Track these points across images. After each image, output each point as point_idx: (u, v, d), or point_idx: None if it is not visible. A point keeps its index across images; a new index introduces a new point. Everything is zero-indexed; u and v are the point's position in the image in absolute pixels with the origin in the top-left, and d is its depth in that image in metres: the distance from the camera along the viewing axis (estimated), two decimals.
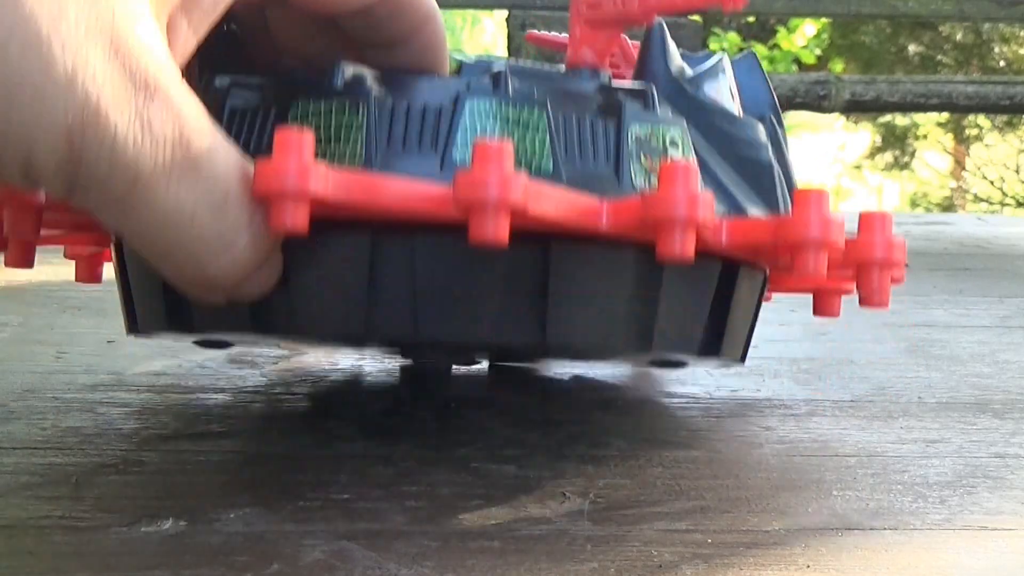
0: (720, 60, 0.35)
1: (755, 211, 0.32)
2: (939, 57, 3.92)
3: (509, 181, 0.25)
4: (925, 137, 4.33)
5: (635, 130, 0.30)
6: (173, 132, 0.24)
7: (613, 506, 0.30)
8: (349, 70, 0.29)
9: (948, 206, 4.35)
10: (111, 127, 0.23)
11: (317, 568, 0.26)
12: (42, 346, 0.45)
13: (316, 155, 0.26)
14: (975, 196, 4.37)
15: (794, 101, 1.80)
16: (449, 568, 0.27)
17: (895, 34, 3.86)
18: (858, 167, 4.78)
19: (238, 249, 0.26)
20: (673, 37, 0.35)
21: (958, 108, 1.89)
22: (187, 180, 0.24)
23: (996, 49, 3.93)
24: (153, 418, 0.36)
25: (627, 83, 0.32)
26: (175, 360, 0.43)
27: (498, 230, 0.25)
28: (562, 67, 0.34)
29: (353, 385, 0.42)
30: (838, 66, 4.21)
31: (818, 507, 0.31)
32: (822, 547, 0.28)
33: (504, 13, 1.62)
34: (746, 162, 0.33)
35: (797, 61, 4.38)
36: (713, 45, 4.28)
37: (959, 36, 3.90)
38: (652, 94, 0.31)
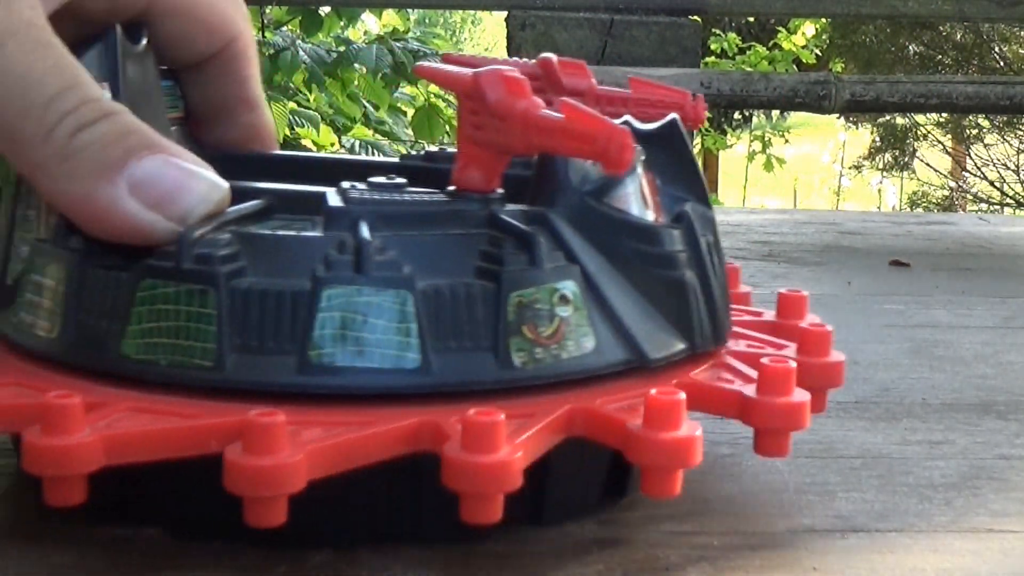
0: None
1: (662, 349, 0.29)
2: (939, 57, 3.92)
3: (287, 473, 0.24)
4: (925, 137, 4.33)
5: (516, 298, 0.27)
6: (29, 12, 0.27)
7: (618, 508, 0.30)
8: (199, 236, 0.27)
9: (948, 206, 4.35)
10: None
11: (323, 570, 0.26)
12: None
13: (161, 355, 0.26)
14: (975, 196, 4.38)
15: (794, 101, 1.80)
16: (454, 571, 0.26)
17: (895, 34, 3.86)
18: (858, 167, 4.78)
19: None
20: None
21: (958, 108, 1.89)
22: (40, 50, 0.27)
23: (996, 49, 3.93)
24: None
25: (518, 216, 0.29)
26: None
27: (272, 518, 0.24)
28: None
29: None
30: (838, 66, 4.21)
31: (823, 509, 0.31)
32: (828, 549, 0.28)
33: (504, 13, 1.62)
34: (660, 283, 0.30)
35: (797, 61, 4.38)
36: (713, 45, 4.28)
37: (959, 36, 3.90)
38: (538, 242, 0.28)
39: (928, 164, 4.51)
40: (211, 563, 0.26)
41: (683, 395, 0.26)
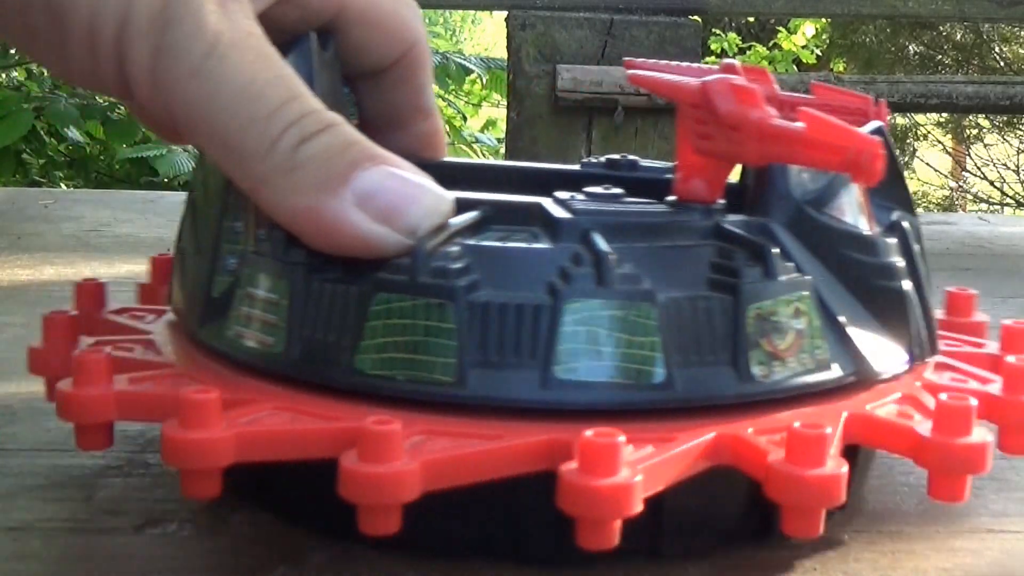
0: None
1: (887, 362, 0.29)
2: (939, 57, 3.92)
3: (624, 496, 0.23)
4: (925, 137, 4.33)
5: (755, 310, 0.27)
6: (246, 22, 0.27)
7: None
8: (433, 249, 0.26)
9: (948, 206, 4.35)
10: None
11: (323, 570, 0.26)
12: None
13: (398, 370, 0.25)
14: (975, 196, 4.37)
15: None
16: (456, 571, 0.26)
17: (895, 34, 3.86)
18: None
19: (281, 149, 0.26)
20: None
21: (958, 108, 1.89)
22: (261, 61, 0.27)
23: (996, 49, 3.93)
24: None
25: (741, 226, 0.28)
26: None
27: (605, 540, 0.23)
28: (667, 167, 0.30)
29: None
30: (838, 66, 4.21)
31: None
32: (829, 550, 0.28)
33: (504, 13, 1.62)
34: (878, 293, 0.29)
35: (797, 61, 4.38)
36: (713, 45, 4.28)
37: (959, 36, 3.90)
38: (772, 254, 0.27)
39: (928, 164, 4.51)
40: (210, 564, 0.26)
41: (829, 429, 0.24)
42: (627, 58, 0.34)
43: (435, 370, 0.25)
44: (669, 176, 0.31)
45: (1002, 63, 3.90)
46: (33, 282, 0.56)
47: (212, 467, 0.24)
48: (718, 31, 4.39)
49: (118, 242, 0.67)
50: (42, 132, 2.43)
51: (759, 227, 0.29)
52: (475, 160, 0.33)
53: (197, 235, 0.31)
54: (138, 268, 0.60)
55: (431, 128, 0.36)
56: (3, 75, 2.47)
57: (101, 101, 2.41)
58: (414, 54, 0.35)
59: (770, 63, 4.26)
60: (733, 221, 0.28)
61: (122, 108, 2.40)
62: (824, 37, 4.33)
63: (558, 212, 0.28)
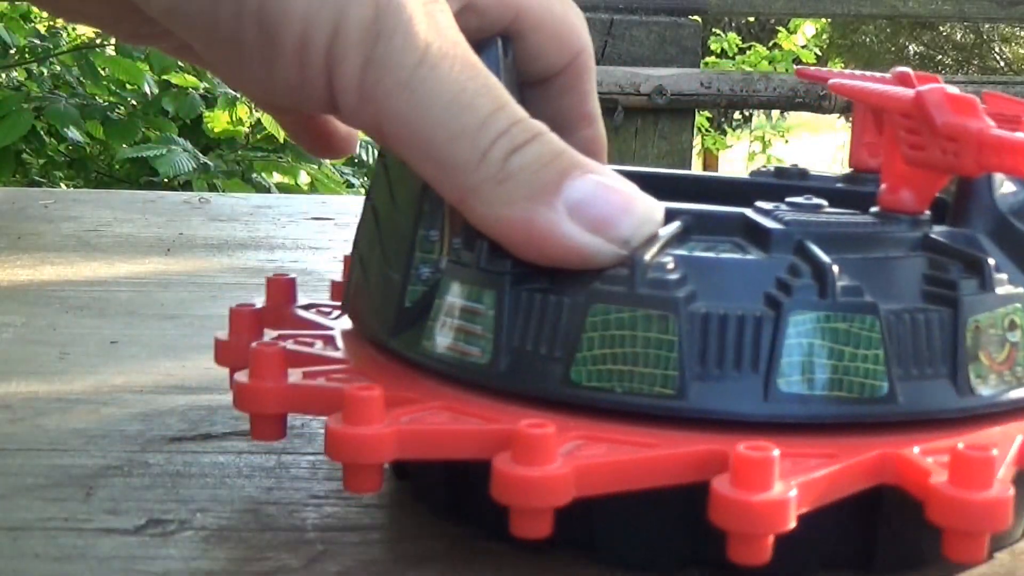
0: None
1: None
2: (939, 57, 3.92)
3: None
4: None
5: (973, 323, 0.26)
6: (452, 32, 0.27)
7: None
8: (651, 260, 0.26)
9: None
10: (408, 6, 0.27)
11: (322, 566, 0.26)
12: (45, 347, 0.44)
13: (616, 382, 0.25)
14: None
15: (794, 101, 1.80)
16: (455, 570, 0.26)
17: (895, 34, 3.87)
18: None
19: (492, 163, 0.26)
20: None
21: None
22: (468, 71, 0.27)
23: (996, 49, 3.93)
24: (158, 419, 0.36)
25: (947, 236, 0.28)
26: (179, 361, 0.43)
27: (757, 555, 0.23)
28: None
29: None
30: (838, 66, 4.21)
31: None
32: None
33: None
34: None
35: (797, 61, 4.39)
36: (713, 45, 4.28)
37: (959, 36, 3.90)
38: (989, 266, 0.27)
39: None
40: (210, 563, 0.26)
41: (996, 451, 0.23)
42: (799, 67, 0.33)
43: (656, 382, 0.25)
44: (840, 186, 0.31)
45: (1002, 63, 3.91)
46: (33, 282, 0.56)
47: (373, 463, 0.25)
48: (718, 31, 4.39)
49: (118, 242, 0.67)
50: (42, 132, 2.43)
51: (965, 238, 0.28)
52: (633, 168, 0.33)
53: (383, 244, 0.31)
54: (138, 268, 0.60)
55: (594, 134, 0.36)
56: (3, 75, 2.47)
57: (101, 101, 2.41)
58: (581, 60, 0.35)
59: (770, 63, 4.26)
60: (939, 232, 0.28)
61: (122, 108, 2.40)
62: (824, 37, 4.33)
63: (768, 223, 0.27)
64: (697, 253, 0.27)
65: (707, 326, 0.25)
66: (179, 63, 2.34)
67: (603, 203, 0.26)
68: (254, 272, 0.60)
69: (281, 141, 2.35)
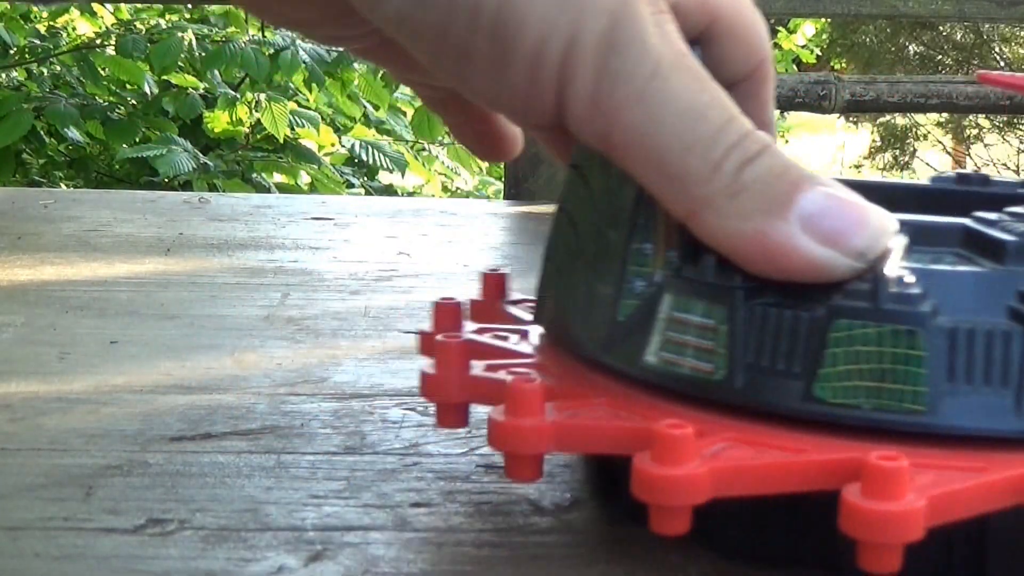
0: None
1: None
2: (939, 57, 3.92)
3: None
4: (925, 137, 4.33)
5: None
6: (680, 43, 0.27)
7: (621, 508, 0.30)
8: (894, 275, 0.25)
9: None
10: (642, 17, 0.27)
11: (322, 566, 0.26)
12: (45, 347, 0.44)
13: (863, 398, 0.25)
14: None
15: (794, 101, 1.80)
16: (453, 570, 0.27)
17: (895, 34, 3.86)
18: (858, 167, 4.78)
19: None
20: None
21: (958, 108, 1.89)
22: (698, 82, 0.27)
23: (996, 49, 3.93)
24: (158, 419, 0.36)
25: None
26: (179, 361, 0.43)
27: (887, 565, 0.23)
28: None
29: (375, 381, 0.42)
30: (838, 66, 4.21)
31: None
32: None
33: None
34: None
35: (797, 61, 4.38)
36: None
37: (959, 36, 3.90)
38: None
39: (928, 164, 4.51)
40: (210, 562, 0.26)
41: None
42: (981, 73, 0.32)
43: (905, 399, 0.25)
44: (1022, 191, 0.30)
45: (1002, 63, 3.90)
46: (33, 282, 0.56)
47: (685, 504, 0.24)
48: None
49: (118, 242, 0.67)
50: (42, 132, 2.43)
51: None
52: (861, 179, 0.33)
53: (586, 256, 0.31)
54: (138, 268, 0.60)
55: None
56: (3, 75, 2.47)
57: (101, 101, 2.41)
58: (764, 68, 0.34)
59: None
60: None
61: (122, 108, 2.40)
62: (824, 37, 4.33)
63: (999, 234, 0.27)
64: (935, 266, 0.26)
65: (955, 341, 0.25)
66: (179, 63, 2.34)
67: (836, 215, 0.26)
68: (254, 272, 0.60)
69: (281, 141, 2.35)
